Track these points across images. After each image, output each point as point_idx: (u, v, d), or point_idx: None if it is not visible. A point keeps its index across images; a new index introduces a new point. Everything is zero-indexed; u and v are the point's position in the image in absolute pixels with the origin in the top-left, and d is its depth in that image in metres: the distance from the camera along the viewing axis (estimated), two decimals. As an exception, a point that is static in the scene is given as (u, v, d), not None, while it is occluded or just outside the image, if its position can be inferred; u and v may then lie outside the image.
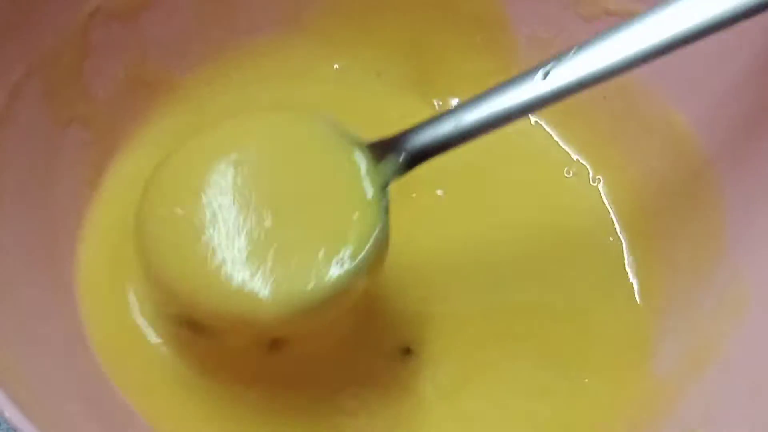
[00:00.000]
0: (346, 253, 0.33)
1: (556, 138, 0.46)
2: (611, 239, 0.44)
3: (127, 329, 0.39)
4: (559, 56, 0.34)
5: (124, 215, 0.41)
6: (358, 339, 0.40)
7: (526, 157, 0.46)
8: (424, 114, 0.37)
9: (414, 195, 0.44)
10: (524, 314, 0.42)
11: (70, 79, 0.40)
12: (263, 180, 0.35)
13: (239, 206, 0.34)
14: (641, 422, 0.39)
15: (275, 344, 0.39)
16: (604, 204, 0.45)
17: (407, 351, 0.40)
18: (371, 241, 0.34)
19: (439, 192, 0.45)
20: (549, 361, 0.41)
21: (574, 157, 0.46)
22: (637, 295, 0.43)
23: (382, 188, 0.35)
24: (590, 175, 0.45)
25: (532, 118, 0.46)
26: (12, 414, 0.28)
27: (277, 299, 0.33)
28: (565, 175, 0.46)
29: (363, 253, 0.34)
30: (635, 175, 0.44)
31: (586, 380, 0.40)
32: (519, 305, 0.42)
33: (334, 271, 0.33)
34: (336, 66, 0.47)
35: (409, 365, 0.40)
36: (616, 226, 0.44)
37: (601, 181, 0.45)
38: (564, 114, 0.45)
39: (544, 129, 0.47)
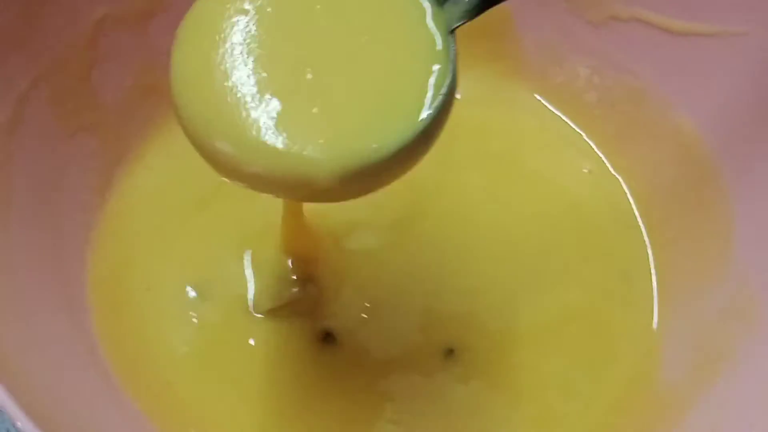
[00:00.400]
0: (414, 108, 0.28)
1: (584, 136, 0.47)
2: (631, 240, 0.44)
3: (137, 338, 0.39)
4: None
5: (134, 223, 0.41)
6: (404, 339, 0.40)
7: (552, 152, 0.46)
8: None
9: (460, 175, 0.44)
10: (552, 313, 0.42)
11: (77, 87, 0.40)
12: (310, 21, 0.29)
13: (285, 52, 0.29)
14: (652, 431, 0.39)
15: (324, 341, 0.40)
16: (626, 205, 0.45)
17: (450, 352, 0.40)
18: (442, 96, 0.29)
19: (481, 178, 0.45)
20: (574, 363, 0.41)
21: (593, 157, 0.46)
22: (651, 301, 0.42)
23: (449, 34, 0.30)
24: (608, 175, 0.46)
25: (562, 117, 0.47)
26: (24, 424, 0.28)
27: (334, 157, 0.27)
28: (583, 170, 0.46)
29: (433, 109, 0.28)
30: (643, 180, 0.44)
31: (600, 387, 0.40)
32: (548, 303, 0.42)
33: (401, 129, 0.28)
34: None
35: (453, 369, 0.40)
36: (642, 230, 0.44)
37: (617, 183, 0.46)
38: (578, 117, 0.46)
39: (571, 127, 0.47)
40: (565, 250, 0.43)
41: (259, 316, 0.40)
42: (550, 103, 0.47)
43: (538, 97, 0.47)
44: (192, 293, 0.40)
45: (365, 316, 0.41)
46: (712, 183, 0.41)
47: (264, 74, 0.28)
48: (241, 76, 0.28)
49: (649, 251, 0.43)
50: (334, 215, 0.42)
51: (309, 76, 0.28)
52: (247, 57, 0.29)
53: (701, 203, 0.41)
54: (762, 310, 0.37)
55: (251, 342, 0.40)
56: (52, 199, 0.39)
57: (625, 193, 0.45)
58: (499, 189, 0.45)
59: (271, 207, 0.41)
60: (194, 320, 0.40)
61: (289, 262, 0.41)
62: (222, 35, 0.29)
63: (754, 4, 0.38)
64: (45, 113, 0.38)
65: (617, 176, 0.45)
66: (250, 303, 0.40)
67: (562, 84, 0.46)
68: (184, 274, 0.41)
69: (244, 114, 0.28)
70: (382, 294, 0.41)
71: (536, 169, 0.45)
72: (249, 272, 0.41)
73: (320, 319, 0.40)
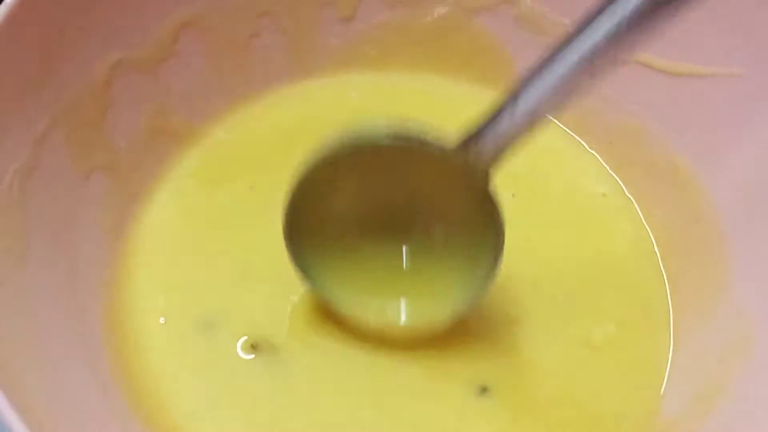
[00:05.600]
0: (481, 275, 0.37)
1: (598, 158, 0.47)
2: (649, 268, 0.44)
3: (153, 374, 0.40)
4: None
5: (147, 259, 0.42)
6: (437, 375, 0.40)
7: (569, 173, 0.47)
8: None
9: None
10: (576, 346, 0.41)
11: (92, 129, 0.41)
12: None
13: (373, 239, 0.37)
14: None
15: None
16: (643, 232, 0.45)
17: (484, 390, 0.40)
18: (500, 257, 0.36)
19: (512, 194, 0.45)
20: (579, 397, 0.40)
21: (608, 179, 0.46)
22: (668, 333, 0.42)
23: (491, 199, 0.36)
24: (623, 198, 0.46)
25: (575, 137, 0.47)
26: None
27: (412, 322, 0.38)
28: (600, 192, 0.46)
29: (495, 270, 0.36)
30: (651, 211, 0.45)
31: (598, 422, 0.40)
32: (573, 336, 0.42)
33: (469, 296, 0.37)
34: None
35: (485, 408, 0.39)
36: (659, 258, 0.44)
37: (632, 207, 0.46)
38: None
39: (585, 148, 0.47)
40: (592, 279, 0.43)
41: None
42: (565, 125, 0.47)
43: (554, 120, 0.47)
44: (206, 327, 0.41)
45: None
46: (709, 220, 0.41)
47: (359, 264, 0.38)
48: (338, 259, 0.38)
49: (666, 280, 0.43)
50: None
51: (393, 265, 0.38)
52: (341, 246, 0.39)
53: (700, 239, 0.42)
54: (758, 343, 0.38)
55: (268, 374, 0.40)
56: (68, 237, 0.39)
57: (641, 219, 0.45)
58: (529, 209, 0.44)
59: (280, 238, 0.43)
60: (210, 353, 0.40)
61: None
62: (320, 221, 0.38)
63: (747, 47, 0.39)
64: (61, 155, 0.39)
65: (631, 198, 0.45)
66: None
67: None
68: (197, 309, 0.41)
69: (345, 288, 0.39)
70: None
71: (558, 190, 0.45)
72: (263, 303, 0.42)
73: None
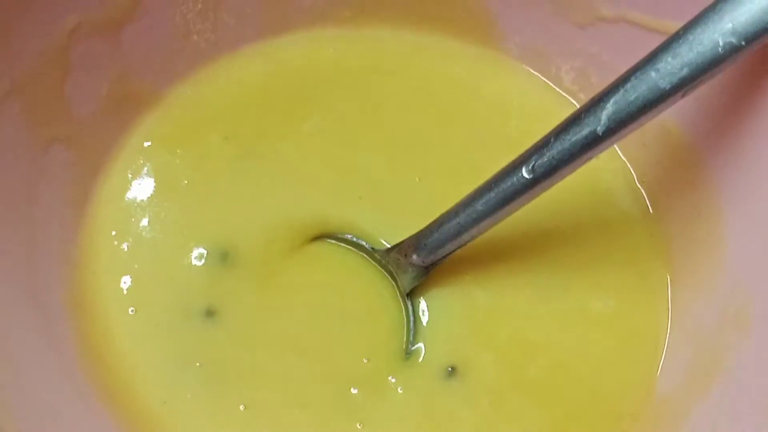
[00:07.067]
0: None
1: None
2: (646, 235, 0.43)
3: (118, 355, 0.39)
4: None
5: (115, 237, 0.41)
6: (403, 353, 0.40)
7: None
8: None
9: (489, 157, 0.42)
10: (565, 320, 0.41)
11: (50, 98, 0.39)
12: None
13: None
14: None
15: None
16: (638, 194, 0.44)
17: (452, 370, 0.39)
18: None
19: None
20: (575, 373, 0.40)
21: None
22: (666, 306, 0.42)
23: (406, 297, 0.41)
24: (618, 161, 0.45)
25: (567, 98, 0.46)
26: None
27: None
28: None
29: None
30: (644, 173, 0.44)
31: (595, 398, 0.40)
32: (568, 309, 0.41)
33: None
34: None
35: (453, 388, 0.39)
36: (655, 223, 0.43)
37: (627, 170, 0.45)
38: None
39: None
40: (585, 248, 0.42)
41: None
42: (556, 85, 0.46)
43: (545, 79, 0.46)
44: (179, 308, 0.40)
45: None
46: (702, 191, 0.40)
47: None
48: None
49: (662, 247, 0.43)
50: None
51: None
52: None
53: (691, 212, 0.41)
54: (755, 317, 0.37)
55: (241, 356, 0.39)
56: (28, 214, 0.38)
57: (636, 183, 0.44)
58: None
59: (250, 212, 0.42)
60: (184, 335, 0.39)
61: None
62: None
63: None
64: (18, 126, 0.38)
65: (627, 162, 0.44)
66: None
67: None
68: (169, 289, 0.40)
69: None
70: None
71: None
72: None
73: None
